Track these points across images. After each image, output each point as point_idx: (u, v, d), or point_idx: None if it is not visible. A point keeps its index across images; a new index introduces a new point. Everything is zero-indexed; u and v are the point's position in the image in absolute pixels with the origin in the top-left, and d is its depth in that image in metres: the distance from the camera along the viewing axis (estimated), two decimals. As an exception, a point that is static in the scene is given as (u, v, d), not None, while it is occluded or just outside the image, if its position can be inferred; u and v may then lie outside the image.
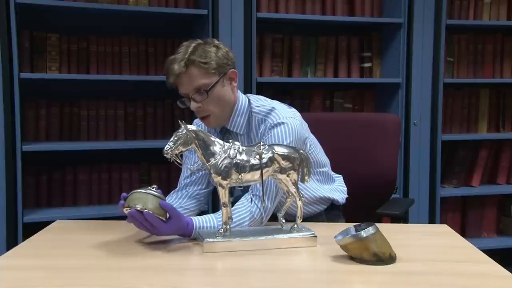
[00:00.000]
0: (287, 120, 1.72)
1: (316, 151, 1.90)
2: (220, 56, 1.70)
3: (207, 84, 1.68)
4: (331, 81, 3.10)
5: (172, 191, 1.86)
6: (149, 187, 1.52)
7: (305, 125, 1.84)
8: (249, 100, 1.80)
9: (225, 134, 1.80)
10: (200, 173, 1.82)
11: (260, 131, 1.75)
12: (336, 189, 1.98)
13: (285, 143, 1.67)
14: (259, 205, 1.63)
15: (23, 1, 2.48)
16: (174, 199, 1.82)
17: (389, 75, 3.12)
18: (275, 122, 1.71)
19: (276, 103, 1.80)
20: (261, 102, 1.80)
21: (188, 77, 1.67)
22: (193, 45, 1.70)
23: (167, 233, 1.54)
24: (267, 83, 2.96)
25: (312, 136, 1.91)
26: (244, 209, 1.64)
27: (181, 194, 1.83)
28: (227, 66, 1.72)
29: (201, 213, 1.73)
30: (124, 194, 1.54)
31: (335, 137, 2.28)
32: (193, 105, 1.69)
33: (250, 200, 1.65)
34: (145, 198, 1.48)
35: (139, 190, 1.51)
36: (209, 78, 1.68)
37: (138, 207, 1.46)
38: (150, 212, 1.46)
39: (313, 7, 3.05)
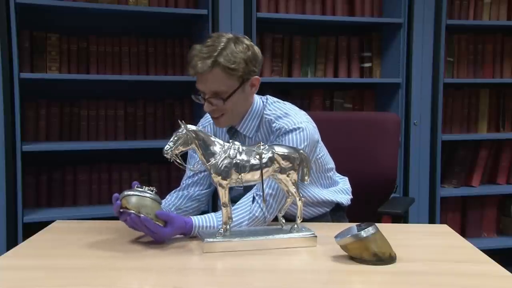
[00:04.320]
0: (302, 125, 1.69)
1: (324, 156, 1.88)
2: (248, 60, 1.63)
3: (226, 91, 1.63)
4: (331, 81, 3.10)
5: (173, 191, 1.85)
6: (146, 188, 1.52)
7: (316, 128, 1.81)
8: (264, 103, 1.77)
9: (233, 134, 1.78)
10: (202, 174, 1.82)
11: (272, 136, 1.72)
12: (340, 191, 1.95)
13: (300, 148, 1.64)
14: (261, 205, 1.63)
15: (23, 1, 2.48)
16: (174, 199, 1.82)
17: (389, 75, 3.12)
18: (290, 127, 1.69)
19: (289, 107, 1.78)
20: (275, 106, 1.77)
21: (210, 78, 1.61)
22: (223, 41, 1.62)
23: (167, 237, 1.54)
24: (267, 83, 2.96)
25: (320, 140, 1.88)
26: (245, 208, 1.63)
27: (182, 194, 1.83)
28: (253, 73, 1.66)
29: (201, 213, 1.73)
30: (116, 194, 1.53)
31: (335, 136, 2.28)
32: (206, 107, 1.66)
33: (252, 199, 1.65)
34: (143, 202, 1.49)
35: (135, 193, 1.50)
36: (230, 84, 1.63)
37: (134, 211, 1.48)
38: (148, 217, 1.47)
39: (313, 7, 3.05)
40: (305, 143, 1.68)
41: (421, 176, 3.11)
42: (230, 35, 1.65)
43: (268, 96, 1.82)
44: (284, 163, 1.52)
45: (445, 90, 3.11)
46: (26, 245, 1.56)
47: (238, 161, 1.49)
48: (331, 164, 1.94)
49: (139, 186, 1.54)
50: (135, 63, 2.85)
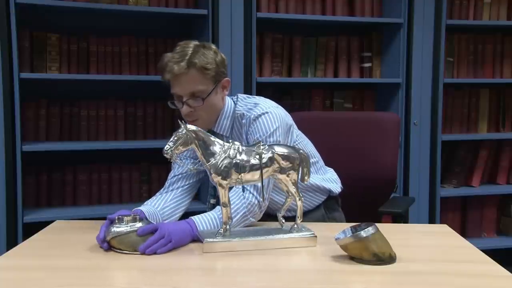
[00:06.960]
0: (270, 109, 1.74)
1: (304, 142, 1.91)
2: (218, 63, 1.70)
3: (203, 90, 1.68)
4: (331, 81, 3.10)
5: (158, 192, 1.83)
6: (128, 220, 1.48)
7: (289, 116, 1.85)
8: (235, 102, 1.81)
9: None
10: (186, 172, 1.82)
11: (244, 127, 1.75)
12: (329, 180, 1.97)
13: (271, 130, 1.69)
14: (251, 190, 1.63)
15: (23, 1, 2.48)
16: (159, 202, 1.78)
17: (389, 75, 3.12)
18: (258, 113, 1.73)
19: (260, 99, 1.82)
20: (245, 101, 1.81)
21: (187, 79, 1.67)
22: (191, 46, 1.69)
23: (174, 232, 1.51)
24: (267, 83, 2.96)
25: (297, 129, 1.91)
26: (237, 199, 1.62)
27: (166, 196, 1.80)
28: (223, 74, 1.74)
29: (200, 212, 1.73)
30: (100, 236, 1.49)
31: (335, 136, 2.29)
32: (185, 109, 1.69)
33: (242, 189, 1.64)
34: (136, 238, 1.46)
35: (121, 231, 1.46)
36: (206, 84, 1.69)
37: (130, 251, 1.46)
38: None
39: (313, 7, 3.05)
40: (276, 125, 1.71)
41: (421, 176, 3.11)
42: (197, 42, 1.73)
43: (239, 94, 1.86)
44: (284, 163, 1.52)
45: (445, 90, 3.11)
46: (26, 245, 1.56)
47: (238, 161, 1.49)
48: (314, 152, 1.96)
49: (119, 218, 1.49)
50: (135, 63, 2.85)
